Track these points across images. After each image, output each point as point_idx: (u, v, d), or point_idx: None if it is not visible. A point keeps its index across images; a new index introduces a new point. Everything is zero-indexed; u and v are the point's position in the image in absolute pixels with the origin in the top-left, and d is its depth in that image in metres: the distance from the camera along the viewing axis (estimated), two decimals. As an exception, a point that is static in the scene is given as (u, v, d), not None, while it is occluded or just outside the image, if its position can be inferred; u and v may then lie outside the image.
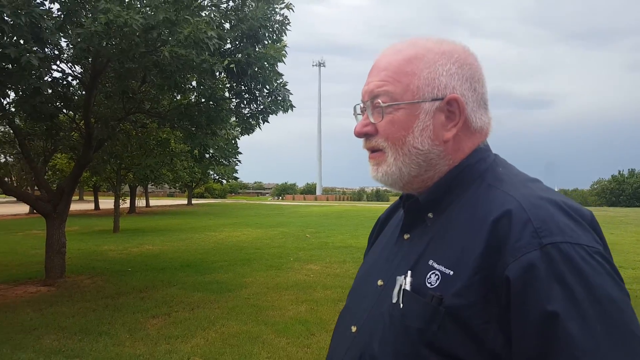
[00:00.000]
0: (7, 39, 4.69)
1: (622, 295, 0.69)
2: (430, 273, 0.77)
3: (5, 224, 19.10)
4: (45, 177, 11.24)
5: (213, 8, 5.83)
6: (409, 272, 0.81)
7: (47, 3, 6.34)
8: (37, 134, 7.76)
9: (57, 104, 7.12)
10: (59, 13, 6.19)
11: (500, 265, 0.70)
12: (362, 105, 0.90)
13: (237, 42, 6.61)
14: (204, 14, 5.51)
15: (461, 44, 0.89)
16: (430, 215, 0.85)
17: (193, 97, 7.49)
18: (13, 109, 6.81)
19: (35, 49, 4.95)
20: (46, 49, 5.71)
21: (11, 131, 7.98)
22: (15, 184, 9.11)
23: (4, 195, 7.68)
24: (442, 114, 0.83)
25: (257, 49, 6.61)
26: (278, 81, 7.02)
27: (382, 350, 0.79)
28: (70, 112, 7.69)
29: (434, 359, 0.73)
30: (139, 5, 6.02)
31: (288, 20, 6.85)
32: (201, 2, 5.54)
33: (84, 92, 7.41)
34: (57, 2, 6.42)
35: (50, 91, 6.42)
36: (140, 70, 6.68)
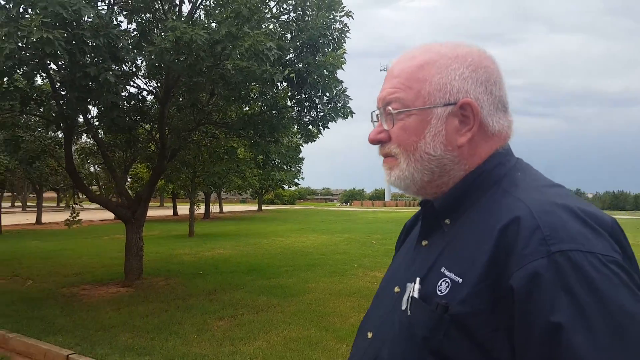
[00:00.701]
0: (88, 59, 5.14)
1: (638, 307, 0.63)
2: (442, 280, 0.76)
3: (93, 229, 20.79)
4: (127, 185, 12.10)
5: (273, 20, 6.00)
6: (418, 279, 0.81)
7: (124, 24, 6.90)
8: (118, 145, 8.39)
9: (135, 117, 7.67)
10: (135, 33, 6.70)
11: (507, 274, 0.68)
12: (377, 112, 0.91)
13: (297, 52, 6.75)
14: (263, 27, 5.68)
15: (477, 46, 0.87)
16: (447, 221, 0.84)
17: (257, 107, 7.75)
18: (96, 123, 7.43)
19: (113, 67, 5.37)
20: (123, 67, 6.17)
21: (95, 143, 8.68)
22: (101, 192, 9.93)
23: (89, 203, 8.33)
24: (455, 118, 0.81)
25: (316, 58, 6.72)
26: (337, 88, 7.07)
27: (390, 357, 0.80)
28: (147, 124, 8.24)
29: None
30: (205, 22, 6.36)
31: (347, 27, 6.90)
32: (262, 15, 5.72)
33: (158, 106, 7.92)
34: (135, 22, 6.97)
35: (127, 105, 6.94)
36: (208, 84, 7.03)
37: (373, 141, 0.89)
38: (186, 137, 7.92)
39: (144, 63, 6.32)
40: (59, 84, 5.61)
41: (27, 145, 7.67)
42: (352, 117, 7.36)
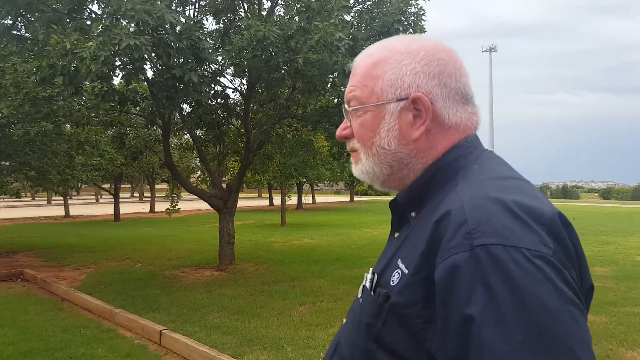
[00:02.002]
0: (173, 61, 5.60)
1: (564, 305, 0.61)
2: (395, 271, 0.78)
3: (198, 217, 22.53)
4: (226, 178, 12.98)
5: (346, 10, 6.02)
6: (370, 269, 0.85)
7: (211, 25, 7.36)
8: (210, 140, 9.01)
9: (222, 114, 8.18)
10: (219, 33, 7.13)
11: (434, 266, 0.69)
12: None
13: (371, 41, 6.71)
14: (333, 17, 5.73)
15: (435, 40, 0.87)
16: (412, 214, 0.86)
17: (332, 98, 7.85)
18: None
19: (197, 67, 5.79)
20: (209, 67, 6.61)
21: (191, 139, 9.40)
22: (198, 184, 10.85)
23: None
24: (409, 113, 0.82)
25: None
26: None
27: (345, 341, 0.86)
28: (234, 120, 8.76)
29: (380, 353, 0.76)
30: (284, 18, 6.57)
31: (423, 11, 6.70)
32: (332, 6, 5.77)
33: (243, 102, 8.37)
34: (220, 23, 7.43)
35: (213, 103, 7.43)
36: (287, 79, 7.27)
37: (339, 137, 0.92)
38: (269, 131, 8.27)
39: (225, 62, 6.70)
40: (150, 85, 6.19)
41: (131, 141, 8.56)
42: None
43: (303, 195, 30.86)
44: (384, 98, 0.83)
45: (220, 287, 7.27)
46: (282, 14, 7.73)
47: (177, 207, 9.52)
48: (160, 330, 4.92)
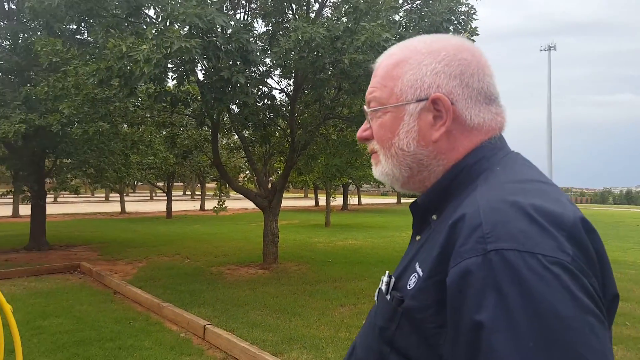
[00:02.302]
0: (222, 63, 5.74)
1: (580, 314, 0.58)
2: (412, 275, 0.77)
3: (245, 215, 23.01)
4: (273, 178, 13.18)
5: (391, 10, 5.96)
6: (387, 272, 0.86)
7: (261, 27, 7.49)
8: (257, 141, 9.17)
9: (269, 114, 8.31)
10: (267, 36, 7.24)
11: (447, 271, 0.67)
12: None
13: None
14: (381, 17, 5.67)
15: (458, 39, 0.85)
16: (434, 217, 0.84)
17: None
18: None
19: (244, 69, 5.90)
20: (257, 68, 6.73)
21: (239, 139, 9.60)
22: (244, 183, 11.08)
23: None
24: (429, 114, 0.81)
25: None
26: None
27: (360, 344, 0.87)
28: (280, 120, 8.87)
29: (393, 357, 0.76)
30: (332, 19, 6.58)
31: (474, 10, 6.51)
32: (379, 7, 5.72)
33: (288, 103, 8.47)
34: (269, 25, 7.54)
35: (260, 104, 7.56)
36: (333, 79, 7.28)
37: (359, 139, 0.92)
38: (313, 131, 8.31)
39: (273, 64, 6.79)
40: (200, 87, 6.39)
41: (182, 141, 8.85)
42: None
43: (349, 196, 30.81)
44: (403, 99, 0.82)
45: (263, 285, 7.37)
46: (330, 15, 7.74)
47: (224, 205, 9.74)
48: (204, 325, 5.05)
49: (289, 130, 8.50)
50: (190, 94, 6.97)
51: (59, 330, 5.15)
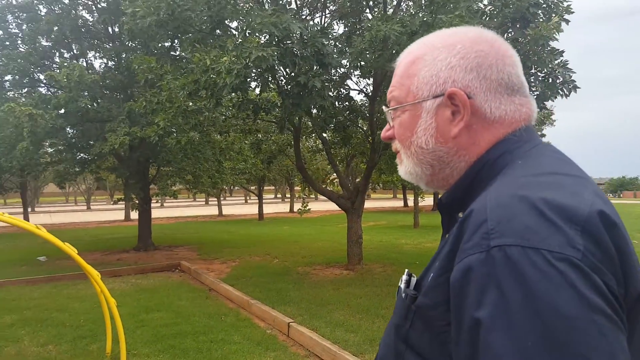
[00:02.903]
0: (298, 68, 5.90)
1: (586, 313, 0.54)
2: (431, 273, 0.77)
3: (332, 217, 23.33)
4: (359, 179, 13.26)
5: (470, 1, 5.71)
6: (406, 270, 0.85)
7: (340, 29, 7.58)
8: (338, 142, 9.28)
9: (349, 116, 8.37)
10: (343, 38, 7.31)
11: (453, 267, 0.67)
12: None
13: (503, 29, 6.26)
14: (459, 8, 5.47)
15: (477, 30, 0.82)
16: (460, 215, 0.82)
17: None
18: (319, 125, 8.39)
19: (320, 73, 6.02)
20: (329, 72, 6.81)
21: (321, 142, 9.78)
22: (328, 185, 11.28)
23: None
24: (447, 109, 0.79)
25: (525, 31, 6.09)
26: (556, 61, 6.25)
27: (382, 342, 0.87)
28: (360, 121, 8.90)
29: (409, 354, 0.76)
30: (406, 14, 6.48)
31: (566, -11, 6.02)
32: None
33: (368, 103, 8.47)
34: (346, 27, 7.62)
35: (340, 106, 7.64)
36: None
37: (383, 138, 0.91)
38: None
39: (350, 65, 6.84)
40: (278, 94, 6.62)
41: (266, 146, 9.21)
42: (575, 92, 6.40)
43: (439, 195, 29.92)
44: (420, 96, 0.81)
45: (347, 286, 7.43)
46: (406, 10, 7.62)
47: (307, 207, 9.97)
48: (289, 323, 5.22)
49: (369, 131, 8.49)
50: (271, 101, 7.25)
51: (159, 323, 5.63)
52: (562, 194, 0.63)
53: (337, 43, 7.65)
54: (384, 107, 0.91)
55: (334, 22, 8.75)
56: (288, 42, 5.75)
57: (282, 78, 6.61)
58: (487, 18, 6.34)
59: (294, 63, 5.78)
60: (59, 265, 9.66)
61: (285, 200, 43.33)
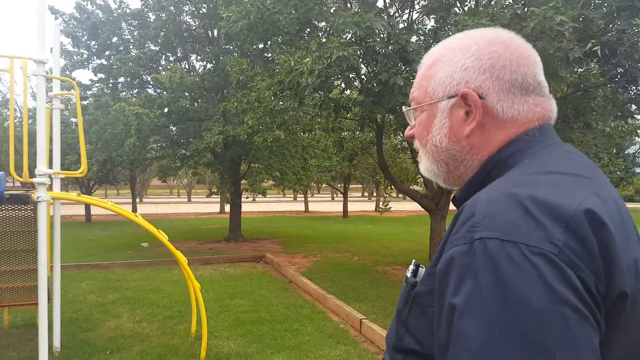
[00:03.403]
0: (380, 66, 5.90)
1: (554, 305, 0.56)
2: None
3: (419, 217, 22.85)
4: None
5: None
6: (413, 260, 0.90)
7: (427, 25, 7.46)
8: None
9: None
10: (430, 33, 7.17)
11: None
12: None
13: (607, 20, 5.75)
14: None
15: (494, 31, 0.84)
16: None
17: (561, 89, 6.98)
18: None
19: (403, 70, 5.97)
20: (412, 68, 6.70)
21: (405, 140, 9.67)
22: (411, 184, 11.10)
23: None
24: (461, 109, 0.82)
25: (633, 21, 5.53)
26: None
27: (390, 324, 0.92)
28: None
29: (407, 338, 0.80)
30: (492, 10, 6.19)
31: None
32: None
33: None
34: (435, 21, 7.47)
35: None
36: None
37: (407, 138, 0.96)
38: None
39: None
40: (359, 92, 6.67)
41: (350, 145, 9.29)
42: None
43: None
44: (436, 97, 0.84)
45: (426, 287, 7.29)
46: (496, 2, 7.26)
47: (388, 206, 9.91)
48: (361, 319, 5.27)
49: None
50: (352, 99, 7.32)
51: (241, 309, 5.97)
52: (553, 192, 0.65)
53: (426, 38, 7.51)
54: (404, 108, 0.95)
55: (424, 17, 8.60)
56: (370, 40, 5.78)
57: (363, 76, 6.65)
58: (591, 8, 5.87)
59: (376, 61, 5.80)
60: (158, 251, 10.58)
61: (372, 199, 43.24)
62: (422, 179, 9.51)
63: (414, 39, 7.18)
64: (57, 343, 4.53)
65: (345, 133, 9.77)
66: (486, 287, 0.59)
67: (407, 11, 8.41)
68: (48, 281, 4.24)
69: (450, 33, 5.54)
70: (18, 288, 4.98)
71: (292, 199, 44.44)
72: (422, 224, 19.01)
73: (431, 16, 8.18)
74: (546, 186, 0.66)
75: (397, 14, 8.48)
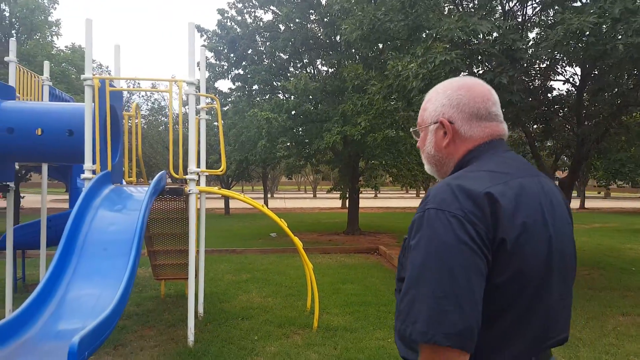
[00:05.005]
0: (484, 66, 6.08)
1: (456, 242, 1.01)
2: None
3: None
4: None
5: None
6: (405, 237, 1.36)
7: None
8: (539, 135, 8.84)
9: (550, 108, 7.97)
10: (541, 27, 7.06)
11: None
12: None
13: None
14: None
15: (462, 80, 1.31)
16: None
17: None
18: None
19: (508, 68, 6.06)
20: (519, 66, 6.67)
21: (524, 135, 9.45)
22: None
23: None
24: (441, 130, 1.31)
25: None
26: None
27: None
28: (565, 112, 8.31)
29: (401, 272, 1.28)
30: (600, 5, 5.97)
31: None
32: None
33: (574, 93, 7.90)
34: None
35: (534, 98, 7.39)
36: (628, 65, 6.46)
37: (419, 147, 1.46)
38: (599, 123, 7.49)
39: (544, 58, 6.62)
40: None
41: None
42: None
43: None
44: (427, 123, 1.34)
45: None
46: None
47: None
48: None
49: (574, 122, 7.92)
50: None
51: (351, 292, 6.66)
52: (472, 182, 1.10)
53: (538, 34, 7.39)
54: (411, 129, 1.47)
55: (539, 13, 8.35)
56: (474, 42, 6.00)
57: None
58: None
59: (480, 62, 6.00)
60: (285, 241, 11.78)
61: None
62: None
63: (532, 34, 7.12)
64: (200, 310, 5.63)
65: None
66: (424, 233, 1.04)
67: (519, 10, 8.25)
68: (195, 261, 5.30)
69: (558, 31, 5.49)
70: (172, 265, 6.23)
71: (415, 195, 44.11)
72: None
73: (543, 13, 7.93)
74: (470, 179, 1.12)
75: (511, 12, 8.37)
